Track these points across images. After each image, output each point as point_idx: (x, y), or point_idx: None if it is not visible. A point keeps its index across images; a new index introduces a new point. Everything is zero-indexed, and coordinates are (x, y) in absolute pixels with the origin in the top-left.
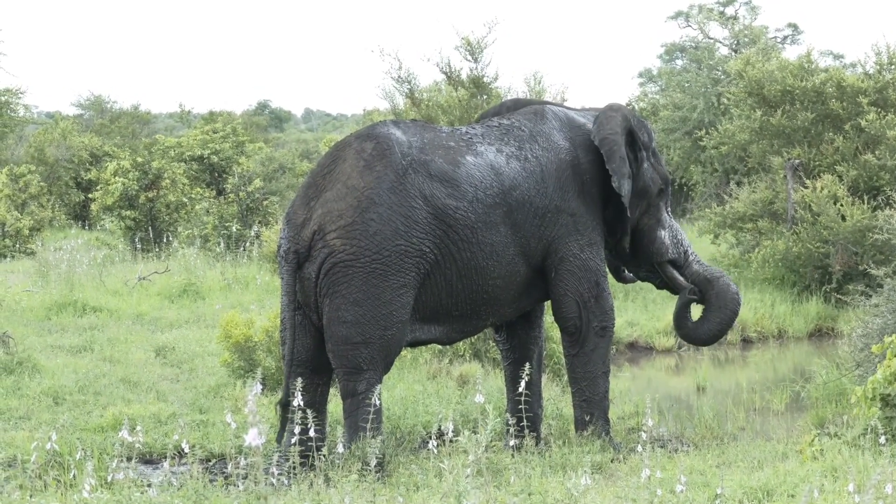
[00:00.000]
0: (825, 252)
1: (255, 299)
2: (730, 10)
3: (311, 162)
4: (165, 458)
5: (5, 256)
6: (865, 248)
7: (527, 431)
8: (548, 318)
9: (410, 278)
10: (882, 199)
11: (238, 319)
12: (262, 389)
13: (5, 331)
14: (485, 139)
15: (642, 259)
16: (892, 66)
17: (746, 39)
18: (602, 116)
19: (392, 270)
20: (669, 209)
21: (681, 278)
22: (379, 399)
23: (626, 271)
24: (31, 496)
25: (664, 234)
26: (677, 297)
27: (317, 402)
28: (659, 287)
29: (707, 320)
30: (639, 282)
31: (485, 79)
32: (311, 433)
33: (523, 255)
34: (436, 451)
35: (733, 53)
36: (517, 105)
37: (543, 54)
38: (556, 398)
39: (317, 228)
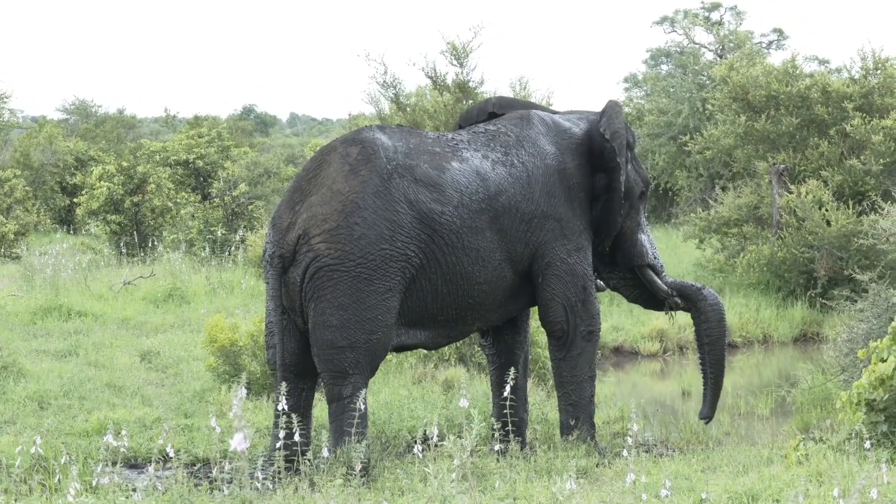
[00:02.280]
0: (810, 257)
1: (240, 304)
2: (715, 16)
3: (296, 166)
4: (150, 462)
5: None
6: (850, 254)
7: (512, 436)
8: (533, 323)
9: (395, 283)
10: (867, 205)
11: (223, 324)
12: (247, 394)
13: None
14: (471, 145)
15: (622, 263)
16: (878, 72)
17: (732, 44)
18: (610, 111)
19: (377, 275)
20: (645, 214)
21: (662, 284)
22: (364, 403)
23: (598, 278)
24: (15, 500)
25: (644, 238)
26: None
27: (302, 407)
28: (630, 299)
29: (717, 338)
30: None
31: (470, 83)
32: (297, 437)
33: (509, 261)
34: (421, 455)
35: (718, 59)
36: (501, 102)
37: (529, 59)
38: (542, 403)
39: (301, 233)
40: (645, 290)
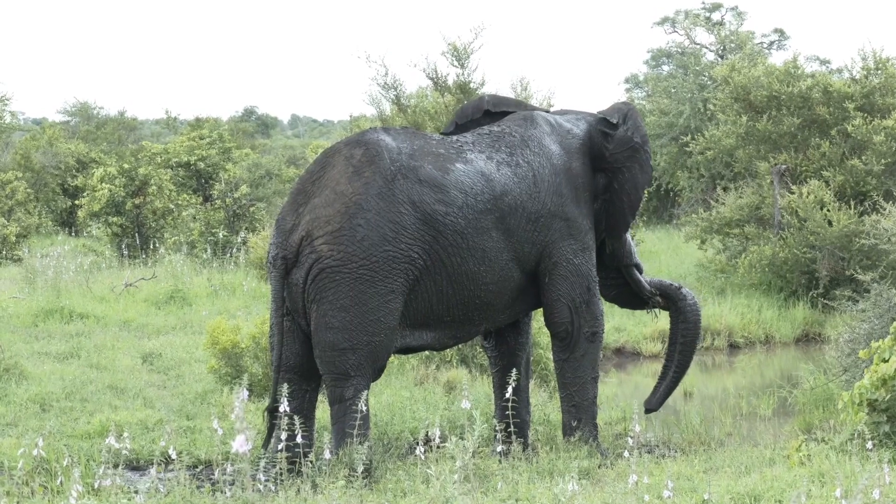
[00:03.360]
0: (812, 257)
1: (241, 305)
2: (716, 16)
3: (297, 168)
4: (152, 464)
5: None
6: (852, 254)
7: (514, 437)
8: (535, 325)
9: (398, 284)
10: (869, 205)
11: (225, 326)
12: (249, 396)
13: None
14: (475, 146)
15: (610, 262)
16: (879, 72)
17: (733, 45)
18: (634, 114)
19: (380, 276)
20: None
21: (646, 284)
22: (366, 405)
23: None
24: (17, 503)
25: (629, 238)
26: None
27: (305, 409)
28: (608, 298)
29: (691, 339)
30: None
31: (471, 84)
32: (299, 439)
33: (517, 261)
34: (423, 457)
35: (719, 59)
36: (496, 100)
37: (530, 59)
38: (544, 404)
39: (305, 234)
40: (625, 289)
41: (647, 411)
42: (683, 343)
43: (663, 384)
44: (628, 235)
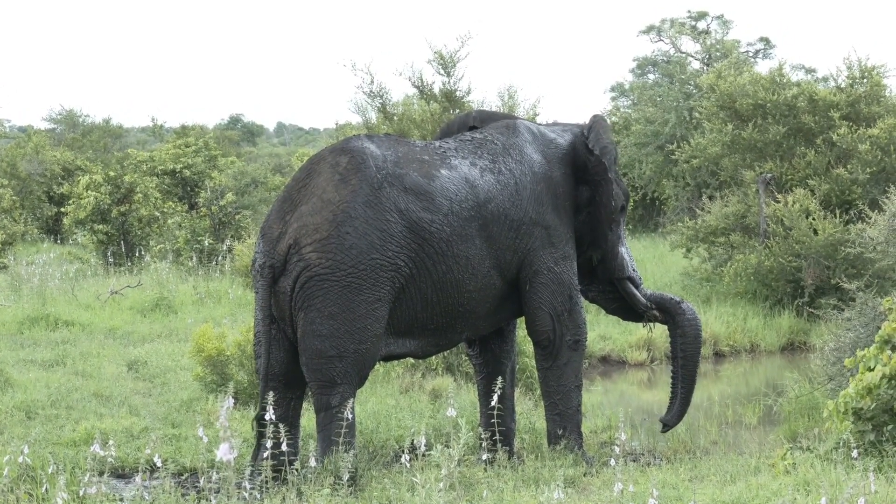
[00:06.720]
0: (797, 266)
1: (227, 313)
2: (702, 25)
3: (283, 176)
4: (138, 472)
5: None
6: (837, 262)
7: (499, 445)
8: (520, 333)
9: (385, 292)
10: (854, 213)
11: (210, 333)
12: (235, 404)
13: None
14: (458, 153)
15: (602, 275)
16: (864, 80)
17: (718, 53)
18: (597, 126)
19: (367, 284)
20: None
21: (641, 297)
22: (352, 413)
23: None
24: None
25: (624, 251)
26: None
27: (290, 417)
28: (609, 311)
29: (692, 354)
30: None
31: (457, 93)
32: (284, 447)
33: (498, 268)
34: (408, 465)
35: (705, 67)
36: (483, 116)
37: (516, 68)
38: (529, 412)
39: (292, 242)
40: (624, 302)
41: (664, 428)
42: (684, 358)
43: (677, 401)
44: (623, 249)
